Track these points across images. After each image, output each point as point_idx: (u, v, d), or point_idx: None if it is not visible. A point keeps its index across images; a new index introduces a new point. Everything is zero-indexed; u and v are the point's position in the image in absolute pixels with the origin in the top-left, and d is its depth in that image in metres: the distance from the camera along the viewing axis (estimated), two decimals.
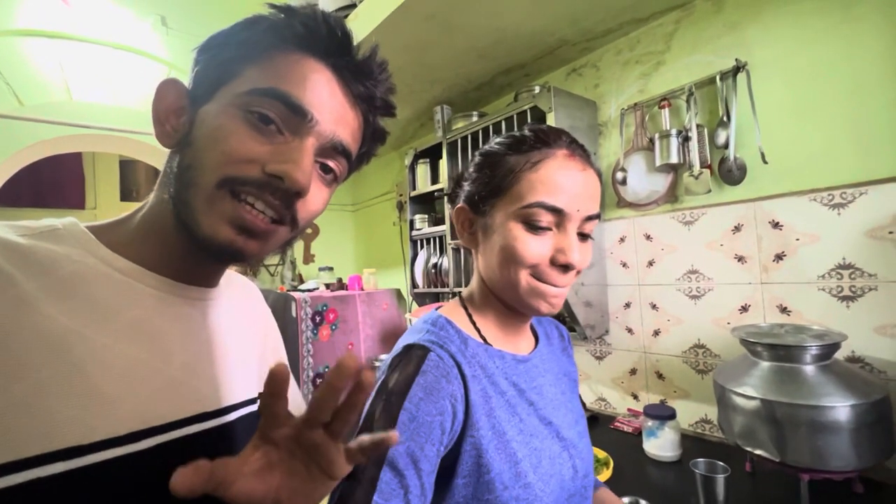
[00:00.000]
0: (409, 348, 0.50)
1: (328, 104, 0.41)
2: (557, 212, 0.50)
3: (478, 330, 0.57)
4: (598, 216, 0.54)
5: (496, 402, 0.51)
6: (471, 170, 0.58)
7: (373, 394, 0.48)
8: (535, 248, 0.50)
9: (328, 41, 0.41)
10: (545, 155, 0.52)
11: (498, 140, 0.57)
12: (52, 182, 3.10)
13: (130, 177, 3.56)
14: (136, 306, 0.38)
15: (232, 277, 0.53)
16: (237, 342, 0.49)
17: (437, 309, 0.59)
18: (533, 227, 0.51)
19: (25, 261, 0.34)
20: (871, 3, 0.97)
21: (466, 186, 0.58)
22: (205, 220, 0.37)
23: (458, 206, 0.59)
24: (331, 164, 0.43)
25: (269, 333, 0.58)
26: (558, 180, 0.50)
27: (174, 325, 0.41)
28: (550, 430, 0.55)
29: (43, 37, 1.79)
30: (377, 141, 0.50)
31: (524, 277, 0.52)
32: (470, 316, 0.58)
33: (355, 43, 0.43)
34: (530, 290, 0.52)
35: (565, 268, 0.51)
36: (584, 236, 0.53)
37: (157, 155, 2.21)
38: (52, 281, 0.35)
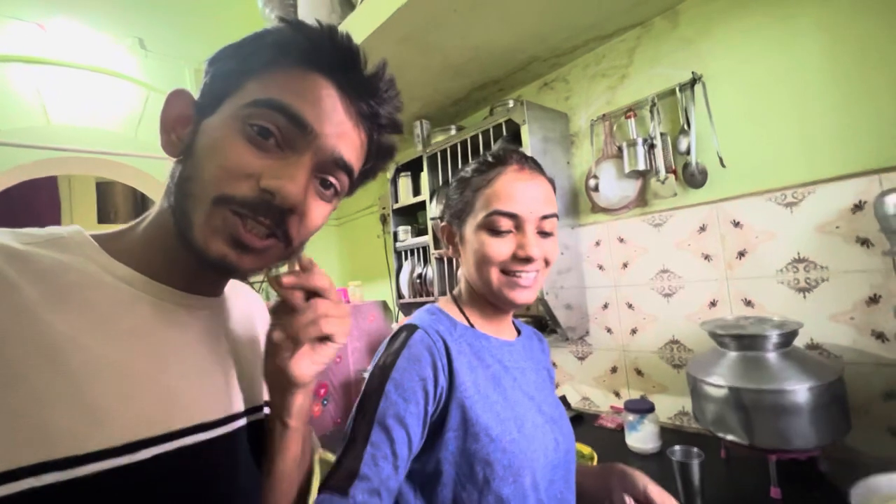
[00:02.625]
0: (401, 328, 0.61)
1: (330, 118, 0.40)
2: (513, 216, 0.61)
3: (466, 318, 0.67)
4: (553, 215, 0.63)
5: (481, 374, 0.60)
6: (450, 192, 0.69)
7: (370, 369, 0.57)
8: (499, 248, 0.61)
9: (333, 57, 0.41)
10: (499, 172, 0.63)
11: (468, 166, 0.68)
12: (28, 206, 3.05)
13: (108, 199, 3.51)
14: (135, 315, 0.38)
15: (237, 287, 0.52)
16: (238, 352, 0.48)
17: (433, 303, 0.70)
18: (496, 231, 0.61)
19: (28, 268, 0.34)
20: (810, 18, 1.06)
21: (448, 207, 0.69)
22: (199, 232, 0.37)
23: (443, 224, 0.70)
24: (331, 179, 0.43)
25: None
26: (509, 190, 0.61)
27: (173, 334, 0.40)
28: (533, 403, 0.63)
29: (20, 62, 1.79)
30: (383, 157, 0.50)
31: (495, 274, 0.62)
32: (460, 307, 0.68)
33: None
34: (502, 283, 0.62)
35: (527, 260, 0.60)
36: (545, 234, 0.63)
37: (136, 176, 2.20)
38: (53, 288, 0.34)
